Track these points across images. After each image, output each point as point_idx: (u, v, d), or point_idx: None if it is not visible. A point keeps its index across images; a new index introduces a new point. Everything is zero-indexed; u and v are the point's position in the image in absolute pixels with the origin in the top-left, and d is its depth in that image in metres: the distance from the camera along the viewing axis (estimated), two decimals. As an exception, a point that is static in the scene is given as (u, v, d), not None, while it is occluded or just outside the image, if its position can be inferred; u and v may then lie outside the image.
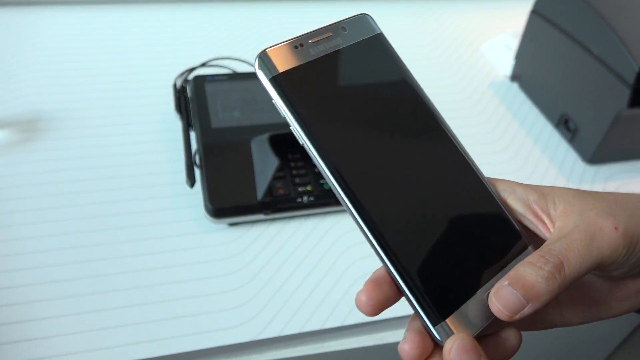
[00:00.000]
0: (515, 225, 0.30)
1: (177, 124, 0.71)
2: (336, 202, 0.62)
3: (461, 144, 0.31)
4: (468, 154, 0.31)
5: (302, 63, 0.29)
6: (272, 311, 0.54)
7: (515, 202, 0.30)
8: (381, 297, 0.27)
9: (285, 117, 0.28)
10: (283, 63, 0.28)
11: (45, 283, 0.53)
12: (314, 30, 0.30)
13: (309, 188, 0.62)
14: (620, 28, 0.69)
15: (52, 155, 0.66)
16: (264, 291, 0.55)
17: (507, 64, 0.92)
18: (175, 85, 0.73)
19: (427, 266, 0.27)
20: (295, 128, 0.28)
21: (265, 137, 0.63)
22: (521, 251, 0.30)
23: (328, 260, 0.59)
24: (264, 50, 0.28)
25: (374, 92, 0.31)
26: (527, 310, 0.26)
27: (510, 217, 0.30)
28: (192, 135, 0.67)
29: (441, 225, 0.29)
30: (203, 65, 0.78)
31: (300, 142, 0.28)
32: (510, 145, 0.78)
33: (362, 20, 0.32)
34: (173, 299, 0.54)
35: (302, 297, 0.55)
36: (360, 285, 0.56)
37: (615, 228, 0.27)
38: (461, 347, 0.25)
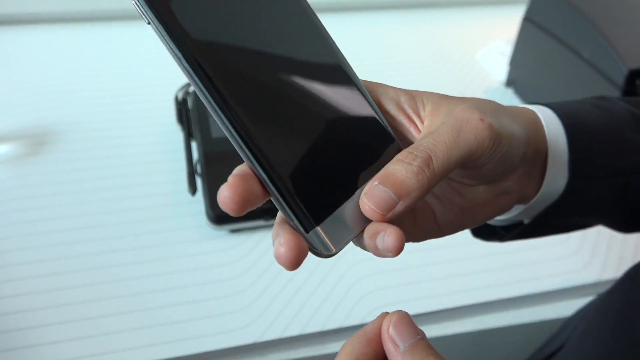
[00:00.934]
0: (389, 128, 0.30)
1: (178, 135, 0.73)
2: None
3: (338, 48, 0.30)
4: (344, 57, 0.30)
5: None
6: (273, 314, 0.55)
7: (387, 103, 0.30)
8: (248, 192, 0.24)
9: (144, 15, 0.25)
10: None
11: (51, 290, 0.55)
12: None
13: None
14: (609, 32, 0.70)
15: (57, 168, 0.68)
16: (265, 295, 0.57)
17: (501, 70, 0.94)
18: (176, 98, 0.75)
19: (297, 168, 0.25)
20: (156, 24, 0.25)
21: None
22: (395, 154, 0.28)
23: (327, 263, 0.60)
24: None
25: None
26: (399, 207, 0.26)
27: (384, 120, 0.29)
28: (194, 145, 0.69)
29: (310, 125, 0.27)
30: (203, 77, 0.79)
31: (146, 21, 0.25)
32: (506, 149, 0.79)
33: None
34: (177, 304, 0.55)
35: (302, 300, 0.56)
36: (360, 288, 0.57)
37: (481, 120, 0.28)
38: (399, 320, 0.26)
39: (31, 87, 0.81)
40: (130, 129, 0.75)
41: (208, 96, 0.25)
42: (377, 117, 0.29)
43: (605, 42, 0.70)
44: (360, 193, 0.27)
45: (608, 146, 0.36)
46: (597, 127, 0.36)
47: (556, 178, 0.34)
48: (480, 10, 1.14)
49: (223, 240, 0.62)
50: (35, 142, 0.71)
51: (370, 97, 0.30)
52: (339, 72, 0.29)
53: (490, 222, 0.38)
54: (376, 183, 0.26)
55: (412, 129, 0.30)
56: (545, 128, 0.34)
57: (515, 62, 0.90)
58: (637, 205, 0.39)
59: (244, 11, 0.27)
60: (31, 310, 0.53)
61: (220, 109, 0.25)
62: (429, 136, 0.27)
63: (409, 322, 0.26)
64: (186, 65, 0.25)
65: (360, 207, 0.26)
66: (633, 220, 0.41)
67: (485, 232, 0.40)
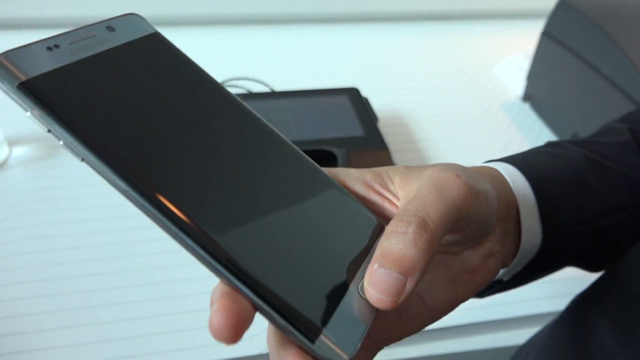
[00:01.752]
0: (366, 209, 0.28)
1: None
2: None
3: (281, 134, 0.28)
4: (292, 144, 0.28)
5: (62, 65, 0.24)
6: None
7: (354, 184, 0.28)
8: (242, 312, 0.21)
9: (50, 130, 0.22)
10: (34, 67, 0.23)
11: (63, 294, 0.55)
12: (71, 31, 0.25)
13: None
14: (629, 49, 0.70)
15: (72, 172, 0.68)
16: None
17: (519, 84, 0.93)
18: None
19: (283, 275, 0.22)
20: (68, 139, 0.22)
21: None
22: (380, 234, 0.26)
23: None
24: (3, 54, 0.22)
25: (164, 89, 0.26)
26: (409, 286, 0.23)
27: (358, 202, 0.28)
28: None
29: (285, 225, 0.24)
30: (219, 85, 0.80)
31: (79, 158, 0.23)
32: (522, 165, 0.78)
33: (132, 19, 0.28)
34: (197, 310, 0.55)
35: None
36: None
37: (458, 176, 0.26)
38: None
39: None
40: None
41: (164, 220, 0.22)
42: (351, 200, 0.28)
43: (626, 59, 0.69)
44: (358, 283, 0.24)
45: (573, 192, 0.37)
46: (558, 176, 0.37)
47: (531, 231, 0.34)
48: (498, 24, 1.14)
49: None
50: (51, 145, 0.72)
51: (337, 182, 0.28)
52: (299, 163, 0.27)
53: None
54: (376, 266, 0.23)
55: (386, 204, 0.28)
56: (510, 184, 0.34)
57: (533, 76, 0.89)
58: (609, 247, 0.39)
59: (174, 115, 0.25)
60: (47, 312, 0.53)
61: (183, 229, 0.22)
62: (412, 201, 0.25)
63: None
64: (143, 202, 0.22)
65: (368, 298, 0.23)
66: (604, 260, 0.41)
67: None
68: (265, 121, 0.28)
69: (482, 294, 0.39)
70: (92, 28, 0.26)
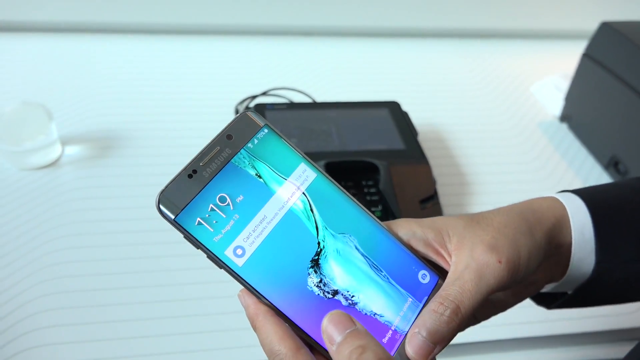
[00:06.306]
0: (423, 264, 0.34)
1: (237, 148, 0.75)
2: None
3: (355, 200, 0.33)
4: (362, 206, 0.33)
5: (200, 191, 0.29)
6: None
7: (416, 243, 0.34)
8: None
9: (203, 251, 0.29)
10: (182, 198, 0.29)
11: (104, 289, 0.57)
12: (201, 152, 0.30)
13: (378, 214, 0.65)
14: (674, 74, 0.70)
15: (120, 172, 0.71)
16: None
17: (556, 104, 0.93)
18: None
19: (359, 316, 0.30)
20: (215, 259, 0.29)
21: (321, 164, 0.66)
22: (436, 289, 0.33)
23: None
24: (161, 191, 0.28)
25: (279, 187, 0.31)
26: (436, 350, 0.30)
27: (416, 258, 0.34)
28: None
29: (365, 281, 0.31)
30: (264, 94, 0.82)
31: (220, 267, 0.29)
32: (558, 185, 0.79)
33: (244, 119, 0.32)
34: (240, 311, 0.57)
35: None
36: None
37: (499, 262, 0.32)
38: (334, 315, 0.28)
39: (102, 93, 0.85)
40: (192, 139, 0.78)
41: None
42: (410, 257, 0.33)
43: (669, 84, 0.69)
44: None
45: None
46: (630, 216, 0.37)
47: (582, 263, 0.36)
48: (537, 43, 1.14)
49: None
50: (100, 146, 0.74)
51: (396, 239, 0.33)
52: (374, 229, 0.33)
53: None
54: (416, 330, 0.30)
55: (441, 261, 0.34)
56: (570, 221, 0.36)
57: (572, 97, 0.89)
58: None
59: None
60: (82, 307, 0.55)
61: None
62: (455, 283, 0.31)
63: (343, 316, 0.28)
64: None
65: (406, 350, 0.30)
66: None
67: (535, 297, 0.42)
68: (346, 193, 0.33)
69: (549, 305, 0.41)
70: (215, 143, 0.31)
